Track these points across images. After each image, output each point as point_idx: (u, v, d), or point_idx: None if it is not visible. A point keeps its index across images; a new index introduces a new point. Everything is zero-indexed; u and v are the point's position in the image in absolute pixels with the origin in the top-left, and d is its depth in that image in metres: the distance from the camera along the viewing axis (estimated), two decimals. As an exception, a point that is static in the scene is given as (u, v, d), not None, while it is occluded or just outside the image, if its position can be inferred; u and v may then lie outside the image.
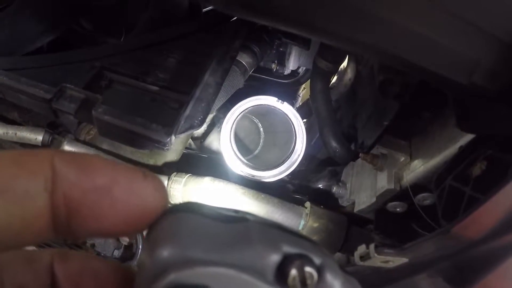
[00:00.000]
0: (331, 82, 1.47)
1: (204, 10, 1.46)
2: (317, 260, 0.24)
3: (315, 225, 1.10)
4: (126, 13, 1.53)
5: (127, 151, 1.19)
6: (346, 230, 1.11)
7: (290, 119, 1.20)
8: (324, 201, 1.16)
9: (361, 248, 0.80)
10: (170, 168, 1.20)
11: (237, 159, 1.19)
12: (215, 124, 1.45)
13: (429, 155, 0.85)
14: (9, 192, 0.21)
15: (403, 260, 0.76)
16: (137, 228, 0.25)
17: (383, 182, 0.94)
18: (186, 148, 1.34)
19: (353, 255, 0.83)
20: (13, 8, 1.20)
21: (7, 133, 1.20)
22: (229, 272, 0.22)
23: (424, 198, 0.84)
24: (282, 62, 1.66)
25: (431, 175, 0.83)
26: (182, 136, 0.94)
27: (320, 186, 1.25)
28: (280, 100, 1.20)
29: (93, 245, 1.23)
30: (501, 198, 0.60)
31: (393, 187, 0.90)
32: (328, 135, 1.22)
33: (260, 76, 1.76)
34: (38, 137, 1.20)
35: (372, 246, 0.76)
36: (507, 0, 0.47)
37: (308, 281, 0.22)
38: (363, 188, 1.04)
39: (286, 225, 0.26)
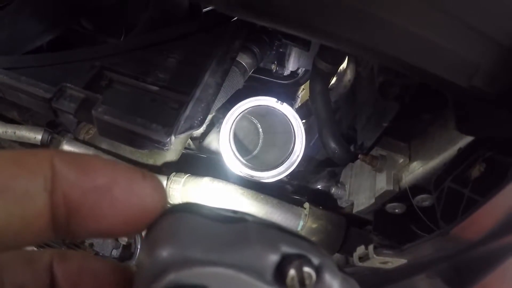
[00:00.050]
0: (331, 83, 1.47)
1: (204, 10, 1.46)
2: (315, 261, 0.24)
3: (314, 225, 1.10)
4: (126, 13, 1.53)
5: (127, 150, 1.19)
6: (345, 231, 1.11)
7: (289, 120, 1.21)
8: (323, 202, 1.16)
9: (360, 249, 0.80)
10: (169, 168, 1.20)
11: (236, 160, 1.19)
12: (215, 124, 1.45)
13: (428, 157, 0.85)
14: (9, 192, 0.21)
15: (402, 261, 0.77)
16: (136, 228, 0.25)
17: (382, 183, 0.94)
18: (185, 148, 1.34)
19: (352, 256, 0.83)
20: (14, 7, 1.20)
21: (6, 132, 1.20)
22: (228, 272, 0.22)
23: (423, 200, 0.84)
24: (281, 63, 1.66)
25: (430, 177, 0.83)
26: (182, 136, 0.94)
27: (319, 187, 1.25)
28: (279, 101, 1.20)
29: (91, 245, 1.23)
30: (499, 200, 0.60)
31: (392, 188, 0.90)
32: (327, 136, 1.22)
33: (260, 77, 1.76)
34: (37, 136, 1.20)
35: (371, 247, 0.76)
36: (508, 3, 0.47)
37: (307, 281, 0.23)
38: (362, 189, 1.04)
39: (284, 226, 0.26)
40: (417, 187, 0.87)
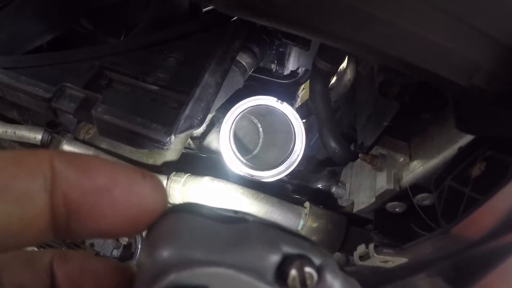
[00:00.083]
0: (331, 83, 1.47)
1: (204, 10, 1.46)
2: (316, 261, 0.24)
3: (314, 225, 1.10)
4: (127, 13, 1.53)
5: (127, 150, 1.19)
6: (346, 230, 1.11)
7: (289, 119, 1.20)
8: (323, 201, 1.16)
9: (361, 248, 0.80)
10: (170, 168, 1.20)
11: (236, 159, 1.19)
12: (215, 124, 1.45)
13: (428, 156, 0.85)
14: (8, 193, 0.21)
15: (402, 260, 0.77)
16: (137, 229, 0.25)
17: (383, 182, 0.94)
18: (185, 147, 1.34)
19: (352, 255, 0.84)
20: (14, 7, 1.20)
21: (6, 132, 1.20)
22: (229, 273, 0.22)
23: (424, 199, 0.84)
24: (281, 63, 1.66)
25: (431, 176, 0.83)
26: (182, 135, 0.94)
27: (319, 186, 1.25)
28: (279, 100, 1.20)
29: (92, 245, 1.23)
30: (500, 198, 0.60)
31: (392, 188, 0.90)
32: (328, 136, 1.22)
33: (260, 76, 1.76)
34: (37, 136, 1.20)
35: (371, 246, 0.76)
36: (508, 2, 0.47)
37: (308, 282, 0.22)
38: (362, 188, 1.04)
39: (285, 226, 0.26)
40: (417, 186, 0.87)
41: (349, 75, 1.36)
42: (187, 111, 0.93)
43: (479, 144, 0.71)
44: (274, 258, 0.23)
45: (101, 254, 1.21)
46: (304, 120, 1.61)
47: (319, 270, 0.23)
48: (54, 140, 1.21)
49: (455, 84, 0.54)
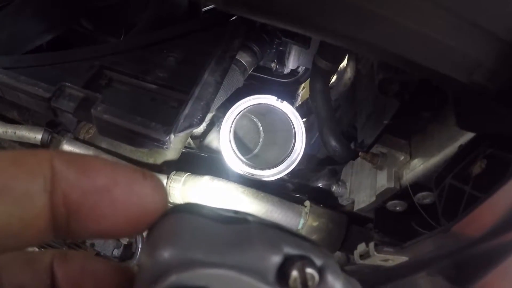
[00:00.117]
0: (331, 82, 1.46)
1: (204, 9, 1.46)
2: (318, 261, 0.24)
3: (315, 224, 1.10)
4: (127, 13, 1.53)
5: (127, 150, 1.19)
6: (346, 229, 1.11)
7: (289, 118, 1.20)
8: (324, 200, 1.16)
9: (361, 247, 0.80)
10: (170, 167, 1.20)
11: (237, 158, 1.19)
12: (215, 123, 1.45)
13: (429, 154, 0.85)
14: (8, 193, 0.21)
15: (403, 258, 0.77)
16: (137, 229, 0.25)
17: (383, 181, 0.93)
18: (186, 147, 1.34)
19: (353, 253, 0.83)
20: (14, 7, 1.20)
21: (6, 132, 1.20)
22: (230, 274, 0.22)
23: (424, 197, 0.84)
24: (281, 62, 1.66)
25: (431, 174, 0.83)
26: (182, 134, 0.94)
27: (319, 185, 1.25)
28: (279, 99, 1.20)
29: (92, 245, 1.23)
30: (501, 196, 0.60)
31: (393, 186, 0.90)
32: (328, 134, 1.22)
33: (260, 75, 1.76)
34: (37, 136, 1.20)
35: (371, 244, 0.76)
36: (509, -1, 0.47)
37: (309, 283, 0.22)
38: (362, 187, 1.04)
39: (286, 226, 0.26)
40: (418, 185, 0.87)
41: (349, 74, 1.36)
42: (186, 110, 0.93)
43: (480, 142, 0.71)
44: (275, 259, 0.23)
45: (102, 253, 1.21)
46: (304, 119, 1.61)
47: (320, 271, 0.23)
48: (54, 140, 1.21)
49: (455, 81, 0.54)
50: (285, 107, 1.20)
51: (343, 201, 1.14)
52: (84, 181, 0.23)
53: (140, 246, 1.21)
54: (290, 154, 1.19)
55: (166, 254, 0.22)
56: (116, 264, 0.29)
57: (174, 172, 1.16)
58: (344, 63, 1.37)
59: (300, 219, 1.09)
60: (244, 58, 1.20)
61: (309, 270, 0.23)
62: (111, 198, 0.24)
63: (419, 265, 0.79)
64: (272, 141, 1.38)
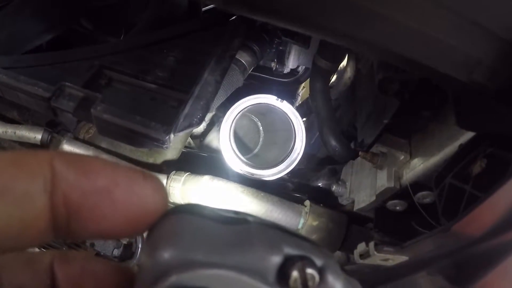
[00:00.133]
0: (331, 81, 1.46)
1: (203, 9, 1.46)
2: (318, 262, 0.24)
3: (315, 223, 1.10)
4: (126, 12, 1.53)
5: (127, 149, 1.19)
6: (346, 229, 1.11)
7: (289, 118, 1.20)
8: (324, 199, 1.16)
9: (361, 246, 0.80)
10: (170, 167, 1.20)
11: (236, 158, 1.19)
12: (215, 123, 1.45)
13: (429, 153, 0.85)
14: (8, 194, 0.21)
15: (403, 258, 0.77)
16: (137, 230, 0.25)
17: (383, 180, 0.93)
18: (186, 146, 1.34)
19: (353, 253, 0.83)
20: (13, 7, 1.20)
21: (6, 132, 1.20)
22: (230, 274, 0.22)
23: (424, 196, 0.84)
24: (281, 61, 1.66)
25: (431, 173, 0.83)
26: (181, 134, 0.94)
27: (319, 184, 1.25)
28: (279, 99, 1.20)
29: (92, 244, 1.23)
30: (501, 196, 0.60)
31: (393, 186, 0.90)
32: (328, 134, 1.22)
33: (260, 75, 1.76)
34: (37, 135, 1.20)
35: (371, 244, 0.76)
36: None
37: (310, 283, 0.22)
38: (362, 187, 1.04)
39: (286, 226, 0.26)
40: (418, 184, 0.87)
41: (349, 73, 1.36)
42: (186, 110, 0.93)
43: (480, 141, 0.71)
44: (276, 259, 0.23)
45: (102, 253, 1.21)
46: (304, 119, 1.61)
47: (320, 271, 0.23)
48: (54, 140, 1.21)
49: (455, 80, 0.54)
50: (285, 106, 1.20)
51: (343, 201, 1.14)
52: (84, 181, 0.23)
53: (140, 246, 1.21)
54: (290, 154, 1.19)
55: (166, 254, 0.22)
56: (116, 264, 0.29)
57: (174, 171, 1.16)
58: (344, 62, 1.37)
59: (300, 219, 1.09)
60: (244, 58, 1.20)
61: (309, 271, 0.23)
62: (111, 198, 0.24)
63: (419, 265, 0.79)
64: (272, 140, 1.38)
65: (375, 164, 0.98)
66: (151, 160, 1.20)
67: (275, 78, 1.80)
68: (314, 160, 1.54)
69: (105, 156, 1.15)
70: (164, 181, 1.14)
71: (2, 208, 0.21)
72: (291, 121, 1.20)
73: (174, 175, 1.15)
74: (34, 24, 1.21)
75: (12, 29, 1.18)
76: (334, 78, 1.57)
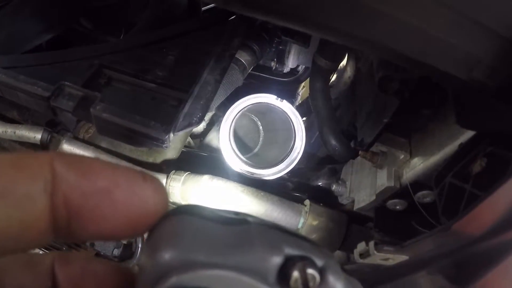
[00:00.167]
0: (331, 80, 1.46)
1: (203, 8, 1.46)
2: (319, 262, 0.24)
3: (315, 223, 1.10)
4: (126, 12, 1.53)
5: (126, 149, 1.19)
6: (346, 228, 1.11)
7: (289, 117, 1.20)
8: (324, 199, 1.16)
9: (361, 246, 0.80)
10: (170, 167, 1.20)
11: (236, 157, 1.19)
12: (215, 122, 1.45)
13: (429, 153, 0.85)
14: (9, 195, 0.21)
15: (403, 257, 0.76)
16: (138, 231, 0.25)
17: (383, 179, 0.93)
18: (186, 146, 1.34)
19: (353, 253, 0.83)
20: (12, 7, 1.20)
21: (6, 131, 1.20)
22: (231, 275, 0.22)
23: (424, 196, 0.84)
24: (281, 60, 1.66)
25: (431, 173, 0.83)
26: (181, 133, 0.94)
27: (319, 184, 1.25)
28: (279, 98, 1.20)
29: (92, 244, 1.23)
30: (501, 195, 0.60)
31: (393, 185, 0.90)
32: (328, 133, 1.22)
33: (260, 74, 1.76)
34: (36, 135, 1.20)
35: (371, 243, 0.76)
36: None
37: (311, 283, 0.22)
38: (362, 186, 1.04)
39: (287, 227, 0.26)
40: (418, 183, 0.87)
41: (349, 73, 1.36)
42: (186, 109, 0.93)
43: (480, 140, 0.71)
44: (276, 260, 0.23)
45: (102, 253, 1.21)
46: (304, 118, 1.61)
47: (321, 271, 0.23)
48: (53, 140, 1.20)
49: (455, 78, 0.54)
50: (285, 106, 1.20)
51: (343, 200, 1.14)
52: (85, 183, 0.23)
53: (140, 245, 1.21)
54: (290, 153, 1.19)
55: (166, 255, 0.22)
56: (116, 265, 0.29)
57: (173, 171, 1.16)
58: (344, 61, 1.37)
59: (300, 218, 1.09)
60: (243, 57, 1.20)
61: (310, 271, 0.23)
62: (112, 199, 0.24)
63: (419, 264, 0.79)
64: (272, 140, 1.38)
65: (375, 164, 0.97)
66: (150, 160, 1.20)
67: (275, 78, 1.80)
68: (314, 160, 1.54)
69: (105, 155, 1.15)
70: (164, 181, 1.14)
71: (2, 210, 0.21)
72: (291, 120, 1.20)
73: (173, 174, 1.15)
74: (33, 24, 1.21)
75: (11, 29, 1.18)
76: (334, 77, 1.57)
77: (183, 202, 1.12)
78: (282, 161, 1.19)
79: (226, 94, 1.15)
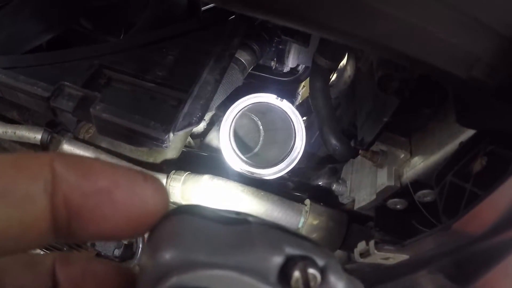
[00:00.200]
0: (331, 80, 1.46)
1: (203, 8, 1.46)
2: (320, 262, 0.24)
3: (315, 222, 1.10)
4: (126, 12, 1.53)
5: (126, 149, 1.19)
6: (346, 228, 1.11)
7: (289, 117, 1.20)
8: (324, 198, 1.16)
9: (361, 245, 0.80)
10: (170, 166, 1.20)
11: (237, 157, 1.19)
12: (215, 122, 1.45)
13: (429, 152, 0.85)
14: (9, 196, 0.21)
15: (404, 256, 0.76)
16: (138, 231, 0.25)
17: (383, 179, 0.93)
18: (186, 146, 1.34)
19: (353, 252, 0.83)
20: (12, 7, 1.20)
21: (6, 132, 1.20)
22: (232, 275, 0.22)
23: (425, 195, 0.84)
24: (281, 60, 1.65)
25: (432, 172, 0.83)
26: (181, 133, 0.94)
27: (320, 183, 1.25)
28: (279, 98, 1.20)
29: (93, 244, 1.23)
30: (502, 193, 0.60)
31: (393, 184, 0.90)
32: (328, 133, 1.22)
33: (259, 74, 1.76)
34: (36, 136, 1.20)
35: (372, 242, 0.76)
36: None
37: (312, 283, 0.22)
38: (363, 185, 1.04)
39: (288, 227, 0.26)
40: (418, 183, 0.86)
41: (349, 72, 1.36)
42: (186, 109, 0.93)
43: (480, 139, 0.71)
44: (277, 260, 0.23)
45: (103, 253, 1.21)
46: (304, 118, 1.61)
47: (322, 271, 0.23)
48: (54, 140, 1.20)
49: (455, 77, 0.54)
50: (285, 105, 1.20)
51: (344, 200, 1.14)
52: (85, 183, 0.23)
53: (140, 245, 1.21)
54: (290, 153, 1.19)
55: (167, 255, 0.22)
56: (117, 265, 0.29)
57: (174, 171, 1.16)
58: (344, 61, 1.37)
59: (301, 218, 1.09)
60: (243, 57, 1.20)
61: (311, 271, 0.23)
62: (112, 199, 0.24)
63: (420, 263, 0.79)
64: (272, 139, 1.38)
65: (376, 163, 0.97)
66: (151, 160, 1.20)
67: (275, 77, 1.79)
68: (314, 159, 1.54)
69: (105, 155, 1.15)
70: (164, 181, 1.14)
71: (2, 210, 0.21)
72: (291, 120, 1.20)
73: (174, 174, 1.15)
74: (33, 24, 1.21)
75: (11, 29, 1.18)
76: (334, 76, 1.57)
77: (184, 202, 1.12)
78: (282, 160, 1.19)
79: (226, 94, 1.15)
